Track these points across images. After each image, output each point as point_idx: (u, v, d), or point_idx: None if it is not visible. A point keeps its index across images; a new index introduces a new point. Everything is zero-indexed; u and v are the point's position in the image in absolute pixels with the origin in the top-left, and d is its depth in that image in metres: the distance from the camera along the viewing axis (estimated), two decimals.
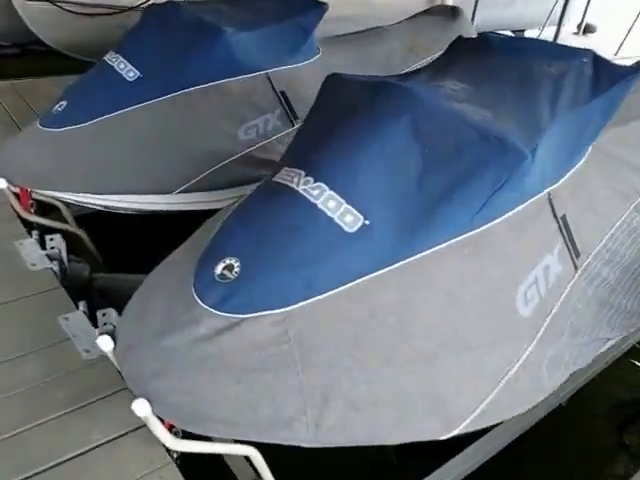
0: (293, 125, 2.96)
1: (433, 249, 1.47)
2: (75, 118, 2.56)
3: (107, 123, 2.54)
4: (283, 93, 2.94)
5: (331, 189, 1.51)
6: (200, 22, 2.67)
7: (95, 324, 1.96)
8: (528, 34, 9.60)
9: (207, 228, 1.74)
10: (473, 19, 7.49)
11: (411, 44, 3.69)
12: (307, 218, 1.49)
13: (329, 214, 1.48)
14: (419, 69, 2.07)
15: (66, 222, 2.73)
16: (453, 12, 3.97)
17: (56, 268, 2.27)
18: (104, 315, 1.97)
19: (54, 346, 1.90)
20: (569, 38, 9.71)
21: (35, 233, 2.46)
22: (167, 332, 1.43)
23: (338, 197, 1.49)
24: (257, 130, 2.83)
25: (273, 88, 2.91)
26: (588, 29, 9.86)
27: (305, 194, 1.52)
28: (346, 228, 1.45)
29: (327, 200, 1.49)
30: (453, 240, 1.49)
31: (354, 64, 3.35)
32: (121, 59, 2.65)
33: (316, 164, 1.59)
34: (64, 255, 2.36)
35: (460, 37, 2.29)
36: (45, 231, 2.59)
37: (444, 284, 1.49)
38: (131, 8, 5.16)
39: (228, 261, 1.47)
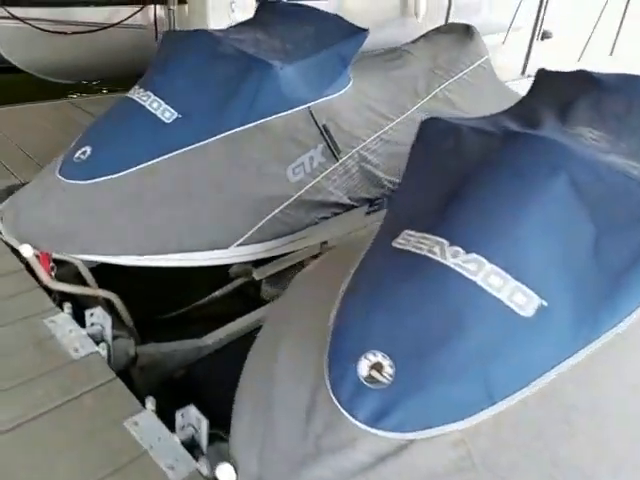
0: (337, 160, 2.73)
1: (618, 329, 1.27)
2: (105, 168, 2.22)
3: (144, 172, 2.22)
4: (325, 127, 2.70)
5: (490, 262, 1.28)
6: (244, 55, 2.39)
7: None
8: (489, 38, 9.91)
9: (309, 297, 1.50)
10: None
11: (432, 66, 3.54)
12: (469, 300, 1.27)
13: (495, 294, 1.26)
14: (521, 108, 1.91)
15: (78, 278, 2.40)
16: (467, 31, 3.86)
17: (104, 352, 1.93)
18: (183, 416, 1.66)
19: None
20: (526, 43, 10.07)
21: (68, 306, 2.10)
22: (310, 460, 1.17)
23: (502, 272, 1.27)
24: (304, 169, 2.58)
25: (315, 122, 2.67)
26: (545, 35, 10.20)
27: (459, 269, 1.29)
28: (520, 312, 1.23)
29: (488, 275, 1.27)
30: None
31: (382, 90, 3.17)
32: (153, 97, 2.32)
33: (462, 231, 1.36)
34: (109, 332, 2.01)
35: (542, 70, 2.15)
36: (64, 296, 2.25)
37: (632, 372, 1.31)
38: (112, 25, 4.73)
39: (373, 358, 1.20)
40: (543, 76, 2.09)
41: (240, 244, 2.26)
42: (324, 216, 2.59)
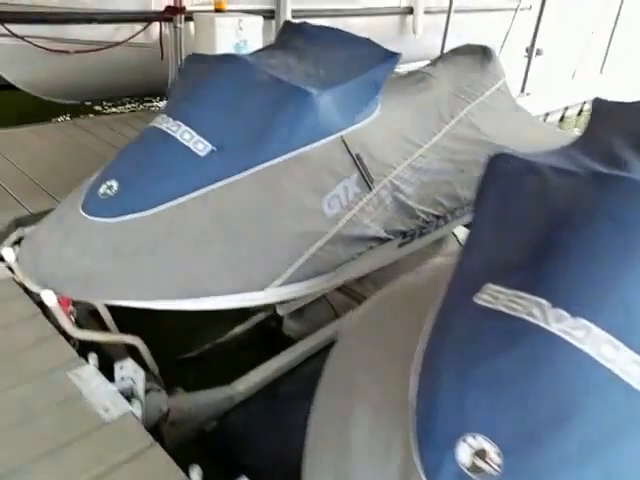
0: (370, 189, 2.60)
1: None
2: (134, 204, 2.05)
3: (176, 209, 2.05)
4: (358, 156, 2.58)
5: (601, 328, 1.16)
6: (280, 82, 2.25)
7: None
8: None
9: None
10: (444, 44, 7.60)
11: (454, 89, 3.45)
12: (582, 374, 1.12)
13: (609, 366, 1.11)
14: (592, 142, 1.81)
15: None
16: (484, 52, 3.79)
17: (138, 412, 1.74)
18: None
19: None
20: (521, 60, 10.20)
21: (93, 357, 1.91)
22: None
23: (615, 340, 1.14)
24: (339, 201, 2.44)
25: (348, 151, 2.54)
26: (536, 52, 10.32)
27: (566, 336, 1.15)
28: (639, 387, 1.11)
29: (599, 345, 1.12)
30: None
31: (408, 114, 3.07)
32: (184, 127, 2.17)
33: (565, 290, 1.22)
34: (141, 388, 1.83)
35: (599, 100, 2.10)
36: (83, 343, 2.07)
37: None
38: (118, 43, 4.56)
39: (474, 443, 1.07)
40: (601, 106, 2.00)
41: (277, 285, 2.11)
42: (361, 251, 2.45)
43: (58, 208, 2.31)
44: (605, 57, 8.70)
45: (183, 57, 4.78)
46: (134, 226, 2.01)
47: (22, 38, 4.31)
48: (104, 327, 2.25)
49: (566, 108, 7.66)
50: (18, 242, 3.04)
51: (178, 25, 4.67)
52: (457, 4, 7.79)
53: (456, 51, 4.01)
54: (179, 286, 1.98)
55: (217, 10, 4.77)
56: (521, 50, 10.19)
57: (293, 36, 2.83)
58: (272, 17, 5.76)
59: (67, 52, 4.43)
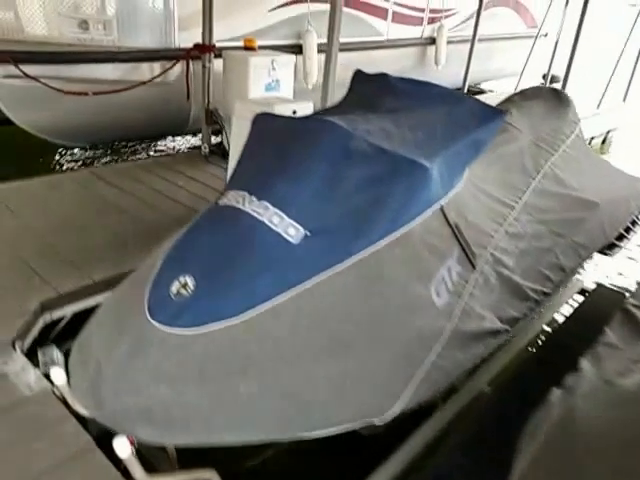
0: (474, 267, 2.19)
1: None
2: (219, 308, 1.62)
3: (271, 314, 1.62)
4: (456, 225, 2.18)
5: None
6: (383, 152, 1.86)
7: None
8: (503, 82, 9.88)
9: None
10: (466, 76, 7.37)
11: (535, 139, 3.11)
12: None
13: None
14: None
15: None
16: (558, 96, 3.47)
17: None
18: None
19: None
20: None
21: None
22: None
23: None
24: (446, 286, 2.03)
25: (447, 221, 2.15)
26: (553, 79, 10.20)
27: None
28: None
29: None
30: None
31: (493, 170, 2.70)
32: (272, 209, 1.75)
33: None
34: None
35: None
36: None
37: None
38: (143, 82, 4.16)
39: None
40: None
41: (394, 413, 1.67)
42: (478, 352, 2.03)
43: (111, 305, 1.86)
44: (628, 86, 8.54)
45: (211, 97, 4.40)
46: (222, 338, 1.57)
47: (35, 79, 3.91)
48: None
49: (592, 138, 7.43)
50: (45, 330, 2.62)
51: (207, 64, 4.31)
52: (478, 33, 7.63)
53: (525, 95, 3.68)
54: (283, 419, 1.54)
55: (247, 48, 4.43)
56: (537, 77, 10.18)
57: (374, 90, 2.45)
58: (299, 52, 5.46)
59: (85, 94, 4.02)
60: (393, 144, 1.97)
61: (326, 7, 5.89)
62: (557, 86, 10.05)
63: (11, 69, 3.90)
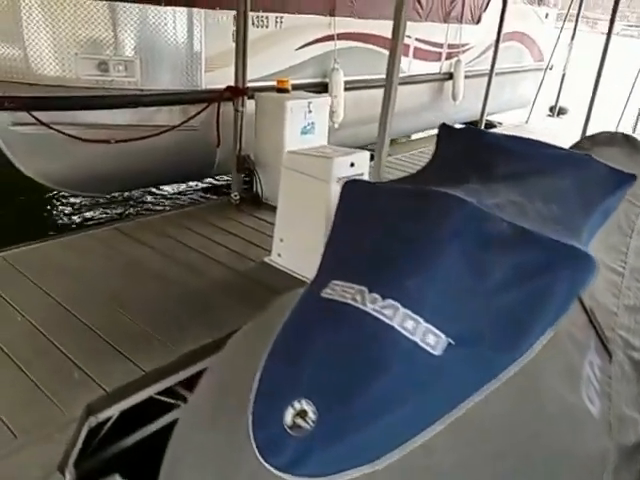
0: (610, 356, 1.85)
1: None
2: (352, 450, 1.23)
3: (424, 451, 1.25)
4: (591, 309, 1.85)
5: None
6: (530, 236, 1.52)
7: None
8: (510, 114, 9.79)
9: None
10: (484, 109, 7.21)
11: None
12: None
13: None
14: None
15: None
16: (634, 143, 3.22)
17: None
18: None
19: None
20: (546, 119, 10.03)
21: None
22: None
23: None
24: (593, 387, 1.67)
25: (583, 306, 1.82)
26: (561, 111, 10.17)
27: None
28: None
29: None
30: None
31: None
32: (402, 310, 1.39)
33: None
34: None
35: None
36: None
37: None
38: (174, 127, 3.81)
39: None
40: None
41: None
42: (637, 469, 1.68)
43: (199, 436, 1.46)
44: (638, 118, 8.51)
45: (243, 142, 4.09)
46: None
47: (50, 127, 3.54)
48: None
49: None
50: (87, 441, 2.19)
51: (240, 108, 4.00)
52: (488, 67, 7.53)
53: (595, 141, 3.41)
54: None
55: (279, 89, 4.14)
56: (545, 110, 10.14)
57: (471, 148, 2.13)
58: (324, 91, 5.21)
59: (107, 142, 3.67)
60: (533, 223, 1.65)
61: (352, 44, 5.76)
62: (564, 117, 10.07)
63: (21, 115, 3.55)
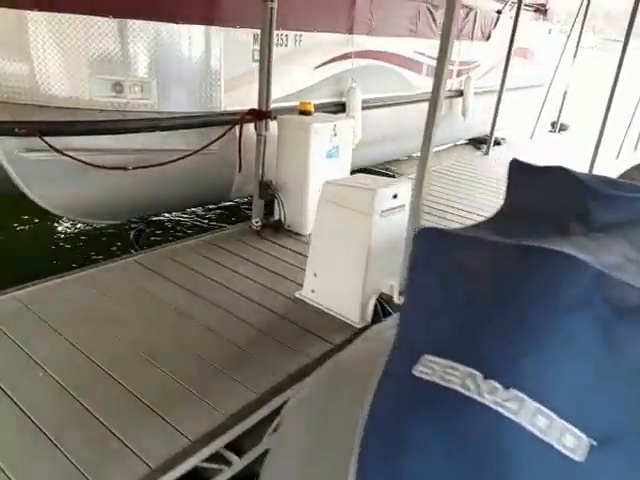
0: None
1: None
2: None
3: None
4: None
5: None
6: None
7: None
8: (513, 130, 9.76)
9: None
10: (494, 125, 7.13)
11: None
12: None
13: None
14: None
15: None
16: None
17: None
18: None
19: None
20: (547, 136, 10.01)
21: None
22: None
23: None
24: None
25: None
26: (562, 127, 10.17)
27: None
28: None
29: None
30: None
31: None
32: (530, 403, 1.19)
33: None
34: None
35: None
36: None
37: None
38: (196, 152, 3.59)
39: None
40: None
41: None
42: None
43: None
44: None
45: (265, 167, 3.90)
46: None
47: (62, 153, 3.31)
48: None
49: None
50: None
51: (263, 132, 3.82)
52: (497, 83, 7.47)
53: None
54: None
55: (302, 112, 3.96)
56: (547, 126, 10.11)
57: (557, 191, 1.95)
58: (341, 111, 5.05)
59: (124, 168, 3.45)
60: None
61: (368, 63, 5.62)
62: (565, 133, 10.01)
63: (33, 141, 3.31)
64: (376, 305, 2.77)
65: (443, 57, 2.65)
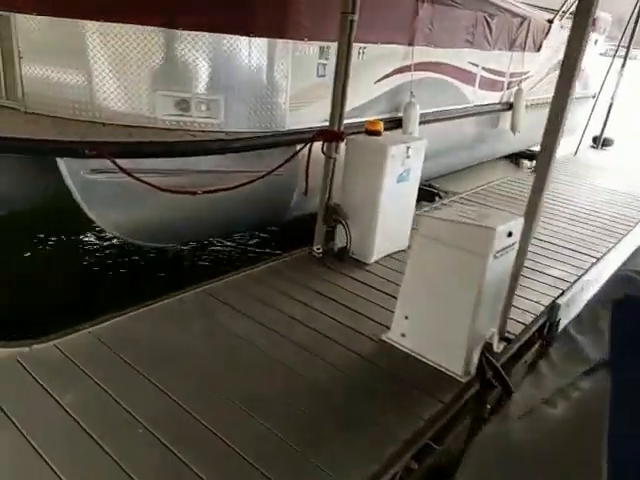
0: None
1: None
2: None
3: None
4: None
5: None
6: None
7: None
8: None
9: None
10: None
11: None
12: None
13: None
14: None
15: None
16: None
17: None
18: None
19: None
20: (588, 151, 9.63)
21: None
22: None
23: None
24: None
25: None
26: (605, 142, 9.75)
27: None
28: None
29: None
30: None
31: None
32: None
33: None
34: None
35: None
36: None
37: None
38: (269, 173, 3.36)
39: None
40: None
41: None
42: None
43: None
44: None
45: (333, 192, 3.68)
46: None
47: (130, 174, 3.09)
48: None
49: None
50: None
51: (334, 155, 3.57)
52: (544, 97, 7.20)
53: None
54: None
55: (370, 132, 3.72)
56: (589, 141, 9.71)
57: None
58: (397, 127, 4.81)
59: (194, 193, 3.22)
60: None
61: (425, 75, 5.37)
62: (609, 149, 9.56)
63: (99, 162, 3.09)
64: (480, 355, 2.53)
65: (570, 70, 2.42)
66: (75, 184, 3.06)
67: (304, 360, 2.61)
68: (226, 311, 2.98)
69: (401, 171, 3.69)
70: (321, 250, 3.78)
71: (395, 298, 3.10)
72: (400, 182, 3.73)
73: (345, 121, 3.89)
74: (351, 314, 3.11)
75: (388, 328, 2.93)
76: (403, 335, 2.79)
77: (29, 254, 4.33)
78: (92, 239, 4.61)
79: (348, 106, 4.20)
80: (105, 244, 4.50)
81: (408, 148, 3.65)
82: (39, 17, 3.35)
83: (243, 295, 3.18)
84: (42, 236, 4.57)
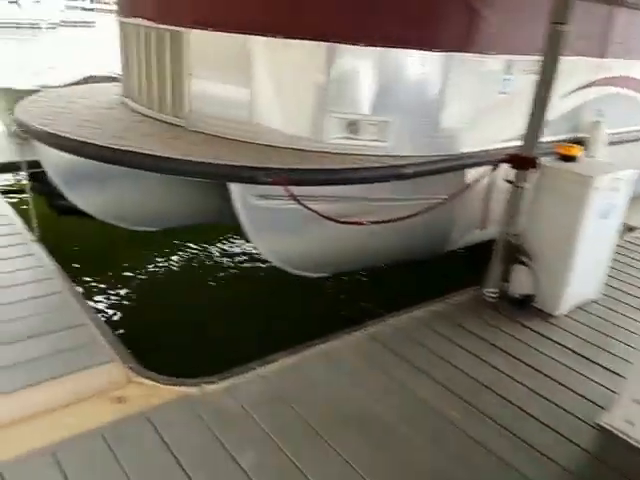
0: None
1: None
2: None
3: None
4: None
5: None
6: None
7: None
8: None
9: None
10: None
11: None
12: None
13: None
14: None
15: None
16: None
17: None
18: None
19: None
20: None
21: None
22: None
23: None
24: None
25: None
26: None
27: None
28: None
29: None
30: None
31: None
32: None
33: None
34: None
35: None
36: None
37: None
38: (443, 202, 2.96)
39: None
40: None
41: None
42: None
43: None
44: None
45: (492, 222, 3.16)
46: None
47: (300, 202, 2.81)
48: None
49: None
50: None
51: (523, 184, 3.05)
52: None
53: None
54: None
55: (565, 157, 3.14)
56: None
57: None
58: None
59: (360, 223, 2.90)
60: None
61: (614, 90, 4.63)
62: None
63: (269, 188, 2.86)
64: None
65: None
66: (243, 209, 2.88)
67: (507, 444, 2.11)
68: (397, 363, 2.59)
69: (606, 206, 3.06)
70: (497, 294, 3.27)
71: (599, 365, 2.51)
72: (603, 219, 3.08)
73: (514, 143, 3.33)
74: (550, 384, 2.54)
75: (601, 407, 2.35)
76: (631, 424, 2.19)
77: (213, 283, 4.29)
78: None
79: (510, 132, 3.63)
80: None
81: (617, 180, 3.02)
82: (213, 33, 3.24)
83: (412, 344, 2.76)
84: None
